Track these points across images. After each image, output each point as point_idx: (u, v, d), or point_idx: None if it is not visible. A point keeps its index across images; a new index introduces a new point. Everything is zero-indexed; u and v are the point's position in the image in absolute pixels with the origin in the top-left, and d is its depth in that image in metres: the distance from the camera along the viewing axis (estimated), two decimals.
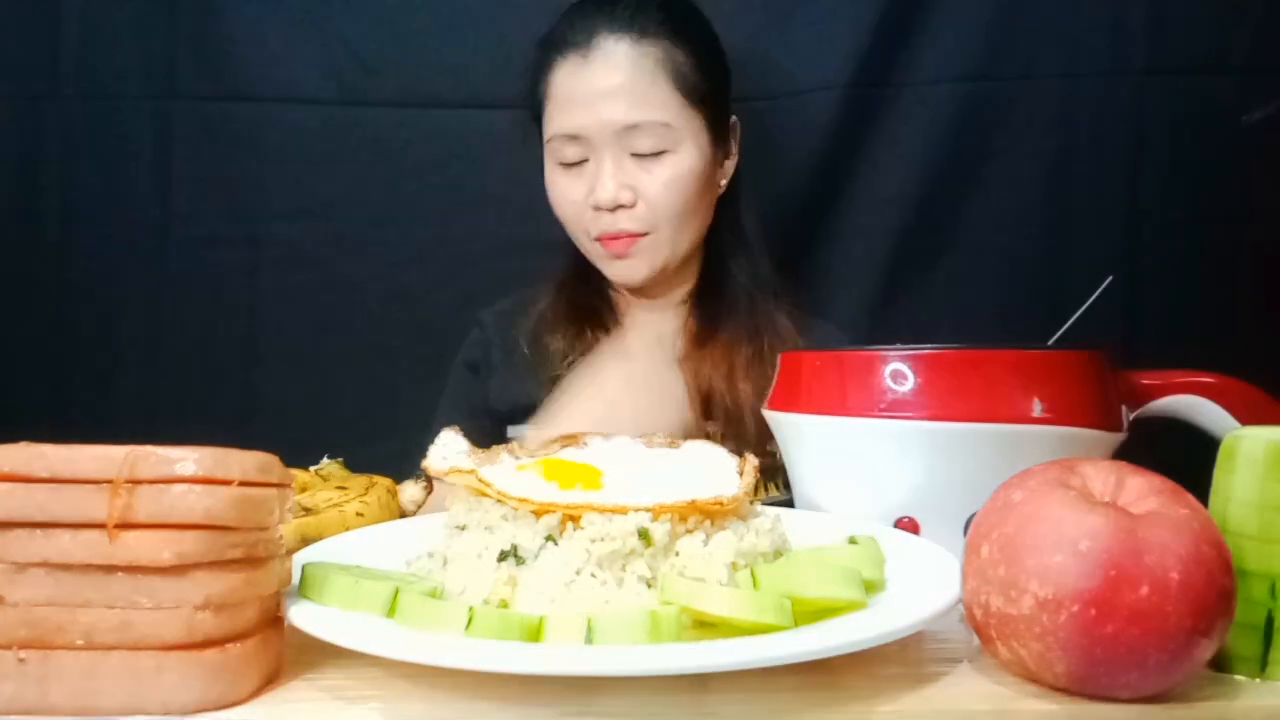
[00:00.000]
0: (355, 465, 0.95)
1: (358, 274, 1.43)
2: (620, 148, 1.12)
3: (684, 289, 1.25)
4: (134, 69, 1.39)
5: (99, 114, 1.39)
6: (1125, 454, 0.68)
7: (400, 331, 1.43)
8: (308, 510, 0.74)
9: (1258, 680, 0.52)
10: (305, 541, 0.68)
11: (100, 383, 1.41)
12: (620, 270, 1.18)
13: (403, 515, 0.84)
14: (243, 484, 0.48)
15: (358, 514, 0.75)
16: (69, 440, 0.49)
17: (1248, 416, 0.72)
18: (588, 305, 1.24)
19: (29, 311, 1.40)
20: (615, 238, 1.15)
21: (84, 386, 1.41)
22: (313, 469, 0.91)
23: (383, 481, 0.85)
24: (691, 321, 1.23)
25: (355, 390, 1.42)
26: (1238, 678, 0.53)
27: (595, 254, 1.19)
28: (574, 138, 1.13)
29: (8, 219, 1.39)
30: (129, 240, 1.41)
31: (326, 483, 0.84)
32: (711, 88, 1.17)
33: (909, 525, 0.72)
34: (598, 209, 1.14)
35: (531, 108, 1.21)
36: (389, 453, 0.98)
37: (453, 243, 1.42)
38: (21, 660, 0.46)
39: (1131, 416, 0.74)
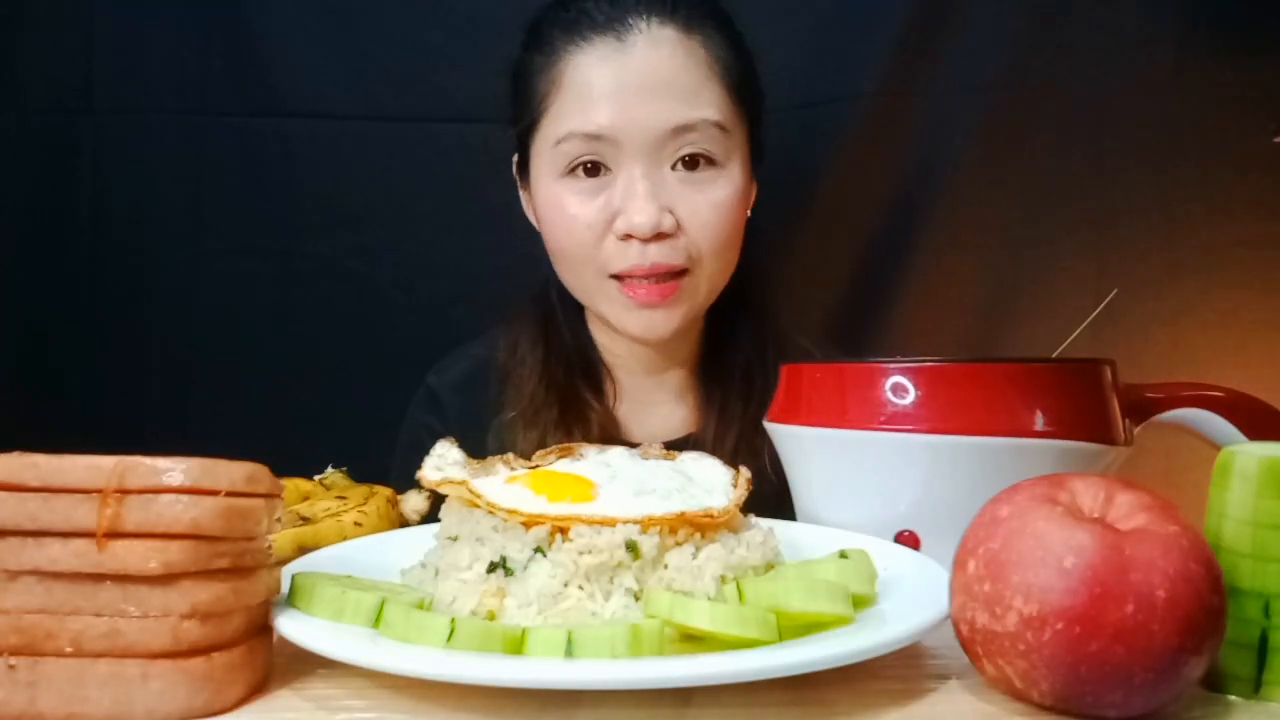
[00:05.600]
0: (370, 475, 0.95)
1: (383, 287, 1.44)
2: (657, 159, 0.90)
3: (685, 361, 1.04)
4: (166, 86, 1.42)
5: (132, 129, 1.42)
6: (1135, 465, 0.67)
7: (423, 345, 1.44)
8: (305, 519, 0.75)
9: (1251, 701, 0.51)
10: (302, 551, 0.69)
11: (131, 393, 1.43)
12: (646, 322, 0.93)
13: (404, 525, 0.85)
14: (230, 494, 0.49)
15: (355, 524, 0.76)
16: (83, 449, 0.49)
17: (1254, 430, 0.71)
18: (572, 390, 1.00)
19: (62, 324, 1.42)
20: (651, 276, 0.91)
21: (114, 397, 1.43)
22: (316, 478, 0.91)
23: (383, 491, 0.85)
24: (693, 397, 1.04)
25: (378, 400, 1.43)
26: (1230, 698, 0.52)
27: (608, 298, 0.94)
28: (595, 138, 0.91)
29: (42, 233, 1.42)
30: (160, 254, 1.43)
31: (329, 492, 0.84)
32: (755, 93, 0.99)
33: (909, 539, 0.71)
34: (628, 238, 0.90)
35: (517, 105, 0.99)
36: None
37: (476, 256, 1.43)
38: (11, 666, 0.47)
39: (1137, 430, 0.73)
